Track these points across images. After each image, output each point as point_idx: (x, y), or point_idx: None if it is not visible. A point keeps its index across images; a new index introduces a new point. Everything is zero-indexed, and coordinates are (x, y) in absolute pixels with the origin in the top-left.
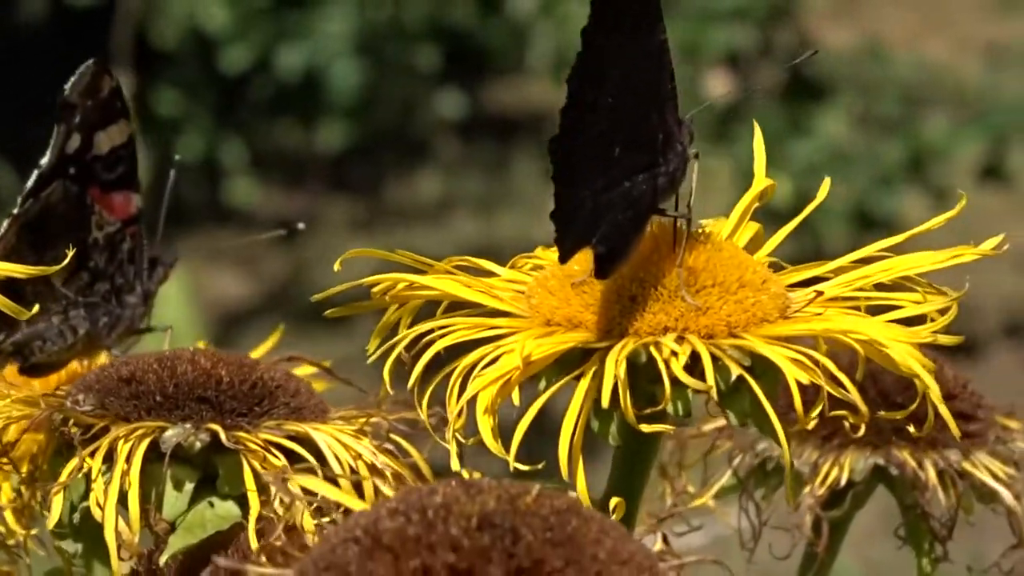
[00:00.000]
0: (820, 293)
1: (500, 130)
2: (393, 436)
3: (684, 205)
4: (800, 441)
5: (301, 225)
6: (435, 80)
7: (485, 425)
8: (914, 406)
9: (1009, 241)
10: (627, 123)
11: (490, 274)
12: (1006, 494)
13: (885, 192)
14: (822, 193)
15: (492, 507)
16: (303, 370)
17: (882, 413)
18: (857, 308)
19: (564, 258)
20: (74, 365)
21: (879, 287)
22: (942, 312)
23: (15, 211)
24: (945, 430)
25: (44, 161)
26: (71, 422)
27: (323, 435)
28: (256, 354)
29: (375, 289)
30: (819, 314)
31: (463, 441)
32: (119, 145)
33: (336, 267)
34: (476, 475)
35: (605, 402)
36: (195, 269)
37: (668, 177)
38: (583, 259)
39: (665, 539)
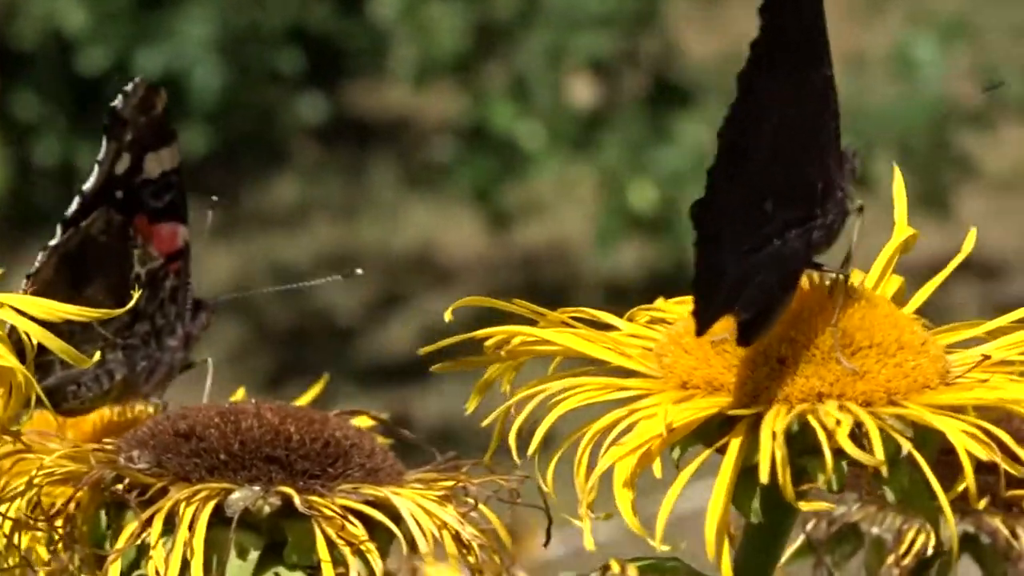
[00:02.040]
0: (986, 357)
1: (360, 135)
2: (478, 503)
3: (842, 258)
4: (882, 506)
5: (359, 271)
6: (296, 84)
7: (624, 500)
8: None
9: (875, 248)
10: (783, 173)
11: (610, 327)
12: None
13: None
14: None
15: None
16: (358, 421)
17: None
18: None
19: (702, 330)
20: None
21: None
22: None
23: (54, 242)
24: None
25: (88, 184)
26: (125, 481)
27: (405, 501)
28: (304, 401)
29: (488, 343)
30: (984, 380)
31: (594, 518)
32: (170, 170)
33: (448, 317)
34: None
35: (764, 477)
36: None
37: (825, 230)
38: None
39: None
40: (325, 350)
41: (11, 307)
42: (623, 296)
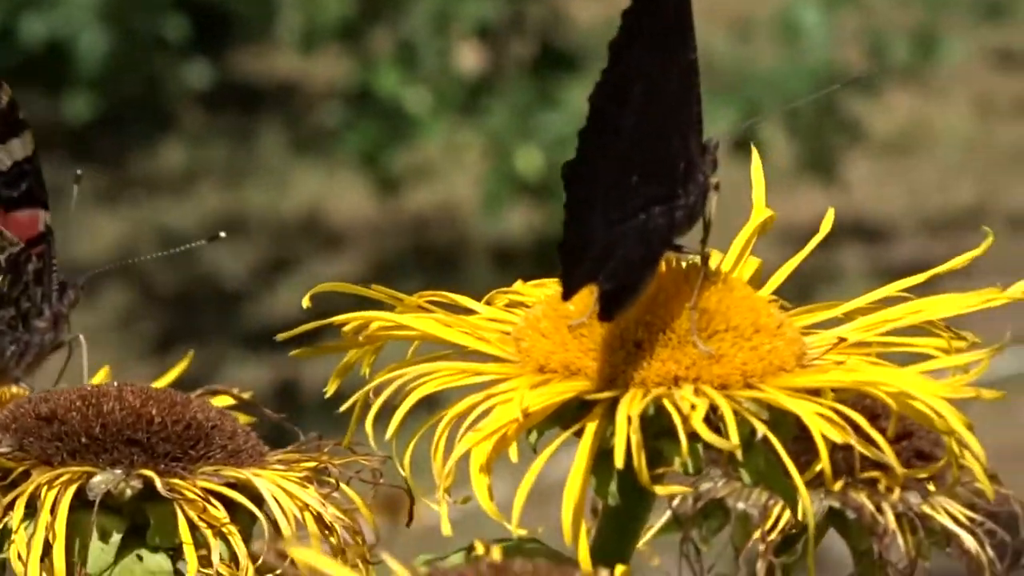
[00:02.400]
0: (842, 339)
1: (246, 100)
2: (339, 483)
3: (700, 241)
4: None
5: (222, 234)
6: (182, 50)
7: (481, 485)
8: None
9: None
10: (647, 149)
11: (469, 312)
12: (967, 537)
13: None
14: None
15: None
16: (219, 401)
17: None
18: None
19: (568, 295)
20: None
21: (896, 332)
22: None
23: None
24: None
25: None
26: None
27: (266, 482)
28: (164, 382)
29: (346, 328)
30: (840, 363)
31: (452, 502)
32: (22, 159)
33: (305, 303)
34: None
35: (619, 462)
36: None
37: (687, 210)
38: (579, 300)
39: None
40: (213, 315)
41: None
42: (511, 260)
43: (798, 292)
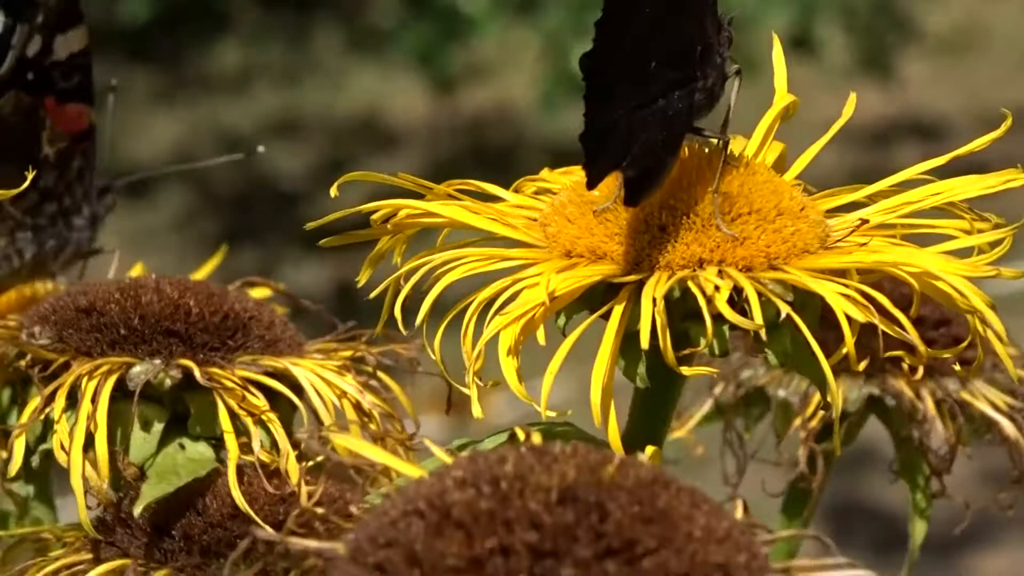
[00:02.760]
0: (864, 221)
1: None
2: (376, 371)
3: (720, 125)
4: (788, 370)
5: (261, 148)
6: None
7: (509, 367)
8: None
9: (817, 112)
10: (664, 33)
11: (496, 199)
12: (1007, 424)
13: None
14: None
15: (573, 479)
16: (258, 292)
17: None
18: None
19: (593, 183)
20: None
21: (918, 214)
22: (992, 243)
23: None
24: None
25: (1, 67)
26: (27, 356)
27: (304, 371)
28: (201, 274)
29: (375, 216)
30: (863, 244)
31: (481, 384)
32: (77, 52)
33: (333, 192)
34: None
35: (644, 343)
36: None
37: (706, 93)
38: (604, 185)
39: (745, 507)
40: (271, 215)
41: None
42: (567, 159)
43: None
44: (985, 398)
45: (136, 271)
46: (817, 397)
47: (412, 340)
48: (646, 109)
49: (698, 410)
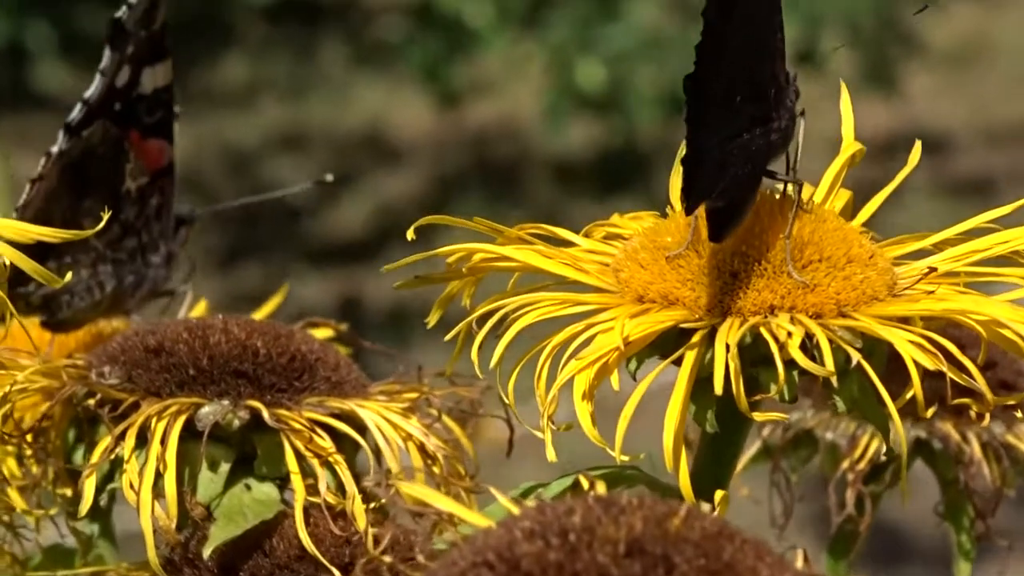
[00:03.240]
0: (933, 269)
1: (308, 14)
2: (441, 414)
3: (790, 170)
4: (836, 412)
5: (329, 177)
6: None
7: (584, 412)
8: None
9: (825, 124)
10: (748, 68)
11: (567, 243)
12: None
13: None
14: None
15: (640, 531)
16: (320, 332)
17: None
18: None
19: (689, 209)
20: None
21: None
22: None
23: (57, 148)
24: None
25: (91, 93)
26: (97, 396)
27: (370, 413)
28: (263, 313)
29: (450, 259)
30: (931, 292)
31: (555, 429)
32: (162, 87)
33: (410, 236)
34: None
35: (718, 389)
36: (6, 156)
37: (781, 134)
38: (675, 230)
39: (806, 557)
40: (276, 229)
41: None
42: (572, 174)
43: (860, 204)
44: None
45: (199, 309)
46: (865, 439)
47: (473, 381)
48: (734, 142)
49: (746, 452)
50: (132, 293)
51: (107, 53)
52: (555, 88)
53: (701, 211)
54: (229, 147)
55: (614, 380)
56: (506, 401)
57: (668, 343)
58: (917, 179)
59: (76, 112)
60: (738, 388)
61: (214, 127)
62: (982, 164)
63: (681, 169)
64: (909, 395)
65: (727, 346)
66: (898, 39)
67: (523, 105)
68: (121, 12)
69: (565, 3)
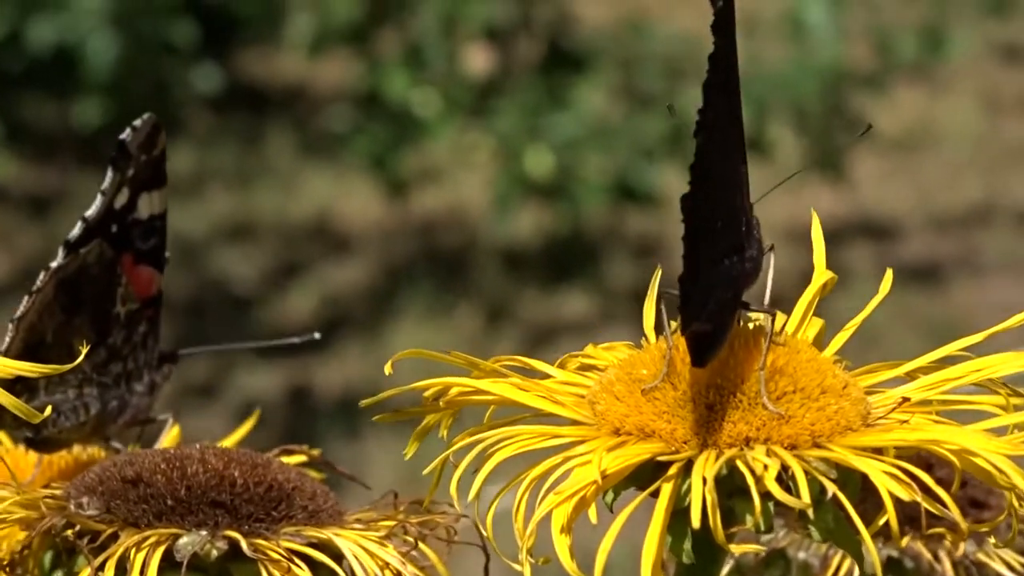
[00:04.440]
0: (906, 399)
1: (255, 103)
2: (418, 542)
3: (764, 303)
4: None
5: (317, 335)
6: (190, 53)
7: (563, 546)
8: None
9: (773, 213)
10: (726, 195)
11: (544, 376)
12: None
13: (646, 166)
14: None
15: None
16: (292, 459)
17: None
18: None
19: (684, 328)
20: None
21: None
22: None
23: (55, 263)
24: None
25: (91, 212)
26: (75, 527)
27: (347, 542)
28: (233, 440)
29: (427, 393)
30: (904, 421)
31: (534, 562)
32: (157, 214)
33: (387, 370)
34: None
35: (696, 522)
36: None
37: (753, 263)
38: (650, 362)
39: None
40: (224, 319)
41: None
42: (520, 262)
43: (804, 290)
44: (1001, 559)
45: (173, 434)
46: (837, 559)
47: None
48: (719, 266)
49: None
50: (115, 418)
51: (109, 173)
52: (504, 176)
53: (677, 343)
54: (177, 236)
55: (591, 513)
56: (483, 532)
57: (645, 475)
58: (864, 263)
59: (76, 229)
60: (715, 521)
61: None
62: (929, 250)
63: (679, 286)
64: (883, 521)
65: (704, 479)
66: (845, 126)
67: (471, 193)
68: (125, 134)
69: (513, 92)
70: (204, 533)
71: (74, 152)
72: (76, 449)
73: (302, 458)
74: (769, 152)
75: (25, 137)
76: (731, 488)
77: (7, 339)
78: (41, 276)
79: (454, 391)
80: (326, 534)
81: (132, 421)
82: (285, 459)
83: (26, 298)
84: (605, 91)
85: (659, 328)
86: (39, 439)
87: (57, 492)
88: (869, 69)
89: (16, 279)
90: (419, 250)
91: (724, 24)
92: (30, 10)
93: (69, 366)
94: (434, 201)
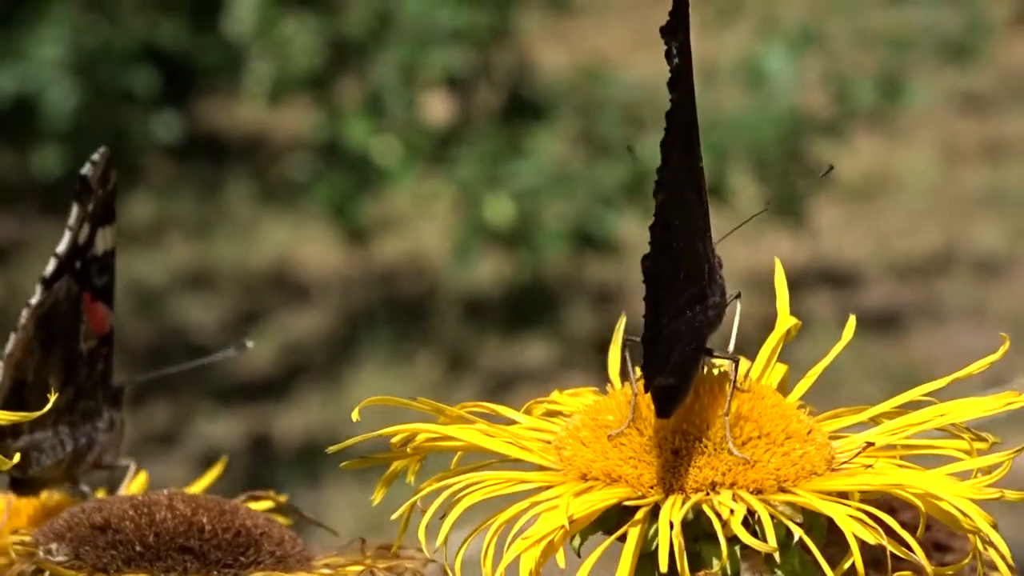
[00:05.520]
0: (870, 444)
1: (214, 152)
2: None
3: (728, 350)
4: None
5: (250, 344)
6: (149, 102)
7: None
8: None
9: (733, 260)
10: (688, 248)
11: (510, 422)
12: None
13: (605, 213)
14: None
15: None
16: (259, 505)
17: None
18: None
19: (648, 386)
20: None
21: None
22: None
23: (34, 300)
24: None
25: (61, 247)
26: (45, 574)
27: None
28: (200, 487)
29: (394, 440)
30: (869, 466)
31: None
32: (110, 251)
33: (355, 416)
34: None
35: (663, 566)
36: None
37: (716, 310)
38: (616, 408)
39: None
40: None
41: None
42: (481, 310)
43: (766, 337)
44: None
45: (140, 480)
46: None
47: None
48: (680, 320)
49: None
50: (84, 456)
51: (74, 209)
52: (464, 223)
53: (641, 389)
54: (136, 284)
55: (559, 557)
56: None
57: (612, 519)
58: (825, 312)
59: (49, 265)
60: (682, 565)
61: (120, 265)
62: (889, 297)
63: (642, 347)
64: (848, 564)
65: (671, 523)
66: (805, 172)
67: (431, 241)
68: (86, 168)
69: (473, 139)
70: None
71: (34, 201)
72: (43, 495)
73: (269, 504)
74: (729, 199)
75: None
76: (698, 532)
77: None
78: (24, 313)
79: (421, 437)
80: None
81: (98, 459)
82: (252, 505)
83: (12, 335)
84: (565, 138)
85: (624, 374)
86: (25, 478)
87: (26, 538)
88: (828, 116)
89: None
90: (379, 298)
91: (681, 80)
92: None
93: (34, 415)
94: (394, 249)
